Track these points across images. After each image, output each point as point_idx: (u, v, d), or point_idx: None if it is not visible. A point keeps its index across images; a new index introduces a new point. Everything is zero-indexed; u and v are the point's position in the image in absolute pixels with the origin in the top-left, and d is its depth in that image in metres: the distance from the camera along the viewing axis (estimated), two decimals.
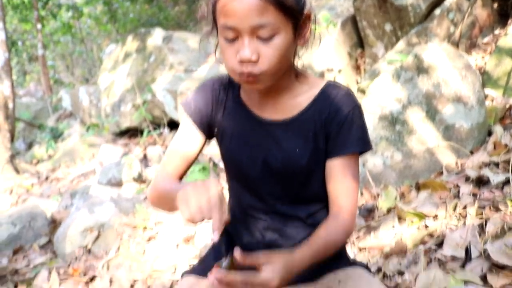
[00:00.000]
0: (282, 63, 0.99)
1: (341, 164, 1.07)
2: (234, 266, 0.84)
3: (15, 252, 2.89)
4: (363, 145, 1.08)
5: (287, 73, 1.07)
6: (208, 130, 1.17)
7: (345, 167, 1.07)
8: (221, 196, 0.90)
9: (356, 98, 1.10)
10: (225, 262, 0.84)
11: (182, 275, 1.21)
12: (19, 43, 13.33)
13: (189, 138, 1.16)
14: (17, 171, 5.30)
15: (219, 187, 0.90)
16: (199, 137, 1.16)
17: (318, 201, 1.14)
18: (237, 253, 0.85)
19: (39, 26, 9.48)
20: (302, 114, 1.09)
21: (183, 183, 1.05)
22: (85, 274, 2.42)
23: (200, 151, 1.19)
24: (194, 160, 1.19)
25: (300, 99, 1.10)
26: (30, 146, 7.93)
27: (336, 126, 1.06)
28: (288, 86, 1.09)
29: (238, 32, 0.95)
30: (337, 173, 1.08)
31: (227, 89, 1.15)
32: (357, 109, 1.08)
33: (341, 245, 1.09)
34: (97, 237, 2.71)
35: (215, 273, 0.83)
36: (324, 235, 1.03)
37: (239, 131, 1.13)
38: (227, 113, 1.14)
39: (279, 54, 0.96)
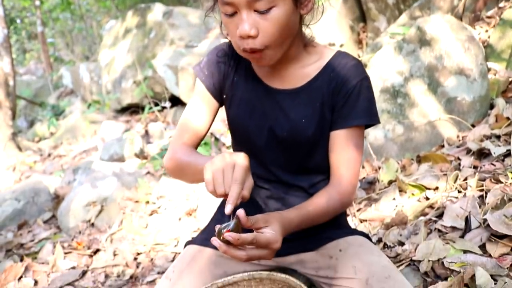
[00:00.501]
0: (283, 35, 0.97)
1: (345, 135, 1.07)
2: (239, 228, 0.85)
3: (20, 227, 2.93)
4: (369, 117, 1.07)
5: (294, 43, 1.06)
6: (220, 96, 1.17)
7: (348, 139, 1.07)
8: (247, 171, 0.89)
9: (365, 69, 1.08)
10: (231, 223, 0.85)
11: (185, 245, 1.23)
12: (18, 20, 13.21)
13: (204, 104, 1.17)
14: (19, 148, 5.32)
15: (246, 161, 0.89)
16: (213, 103, 1.17)
17: (321, 172, 1.15)
18: (242, 214, 0.86)
19: (37, 2, 9.38)
20: (310, 84, 1.08)
21: (206, 156, 1.04)
22: (89, 248, 2.45)
23: (214, 116, 1.19)
24: (210, 126, 1.19)
25: (308, 69, 1.09)
26: (31, 124, 7.94)
27: (342, 97, 1.06)
28: (296, 56, 1.08)
29: (236, 7, 0.94)
30: (340, 144, 1.08)
31: (238, 56, 1.14)
32: (365, 81, 1.07)
33: (336, 213, 1.08)
34: (100, 211, 2.74)
35: (227, 235, 0.84)
36: (318, 200, 1.04)
37: (247, 98, 1.13)
38: (237, 79, 1.14)
39: (278, 27, 0.95)
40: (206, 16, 1.09)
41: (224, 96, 1.17)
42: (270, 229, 0.89)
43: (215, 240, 0.85)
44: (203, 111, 1.16)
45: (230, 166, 0.87)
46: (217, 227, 0.86)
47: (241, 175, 0.87)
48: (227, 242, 0.84)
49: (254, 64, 1.13)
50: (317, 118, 1.08)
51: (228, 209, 0.84)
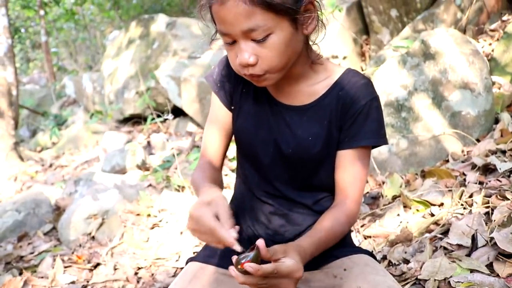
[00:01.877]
0: (283, 59, 0.97)
1: (352, 155, 1.06)
2: (258, 259, 0.83)
3: (20, 239, 2.90)
4: (377, 139, 1.06)
5: (300, 61, 1.05)
6: (231, 106, 1.17)
7: (355, 158, 1.06)
8: (226, 206, 0.91)
9: (375, 89, 1.07)
10: (251, 255, 0.83)
11: (187, 262, 1.21)
12: (22, 30, 13.30)
13: (220, 113, 1.17)
14: (21, 158, 5.31)
15: (223, 201, 0.92)
16: (227, 113, 1.17)
17: (325, 189, 1.13)
18: (262, 246, 0.84)
19: (42, 12, 9.44)
20: (319, 101, 1.07)
21: (205, 188, 1.04)
22: (89, 261, 2.42)
23: (233, 128, 1.19)
24: (231, 133, 1.20)
25: (317, 87, 1.08)
26: (34, 133, 7.95)
27: (351, 116, 1.04)
28: (303, 74, 1.08)
29: (232, 37, 0.94)
30: (347, 163, 1.06)
31: None
32: (375, 101, 1.05)
33: (344, 234, 1.07)
34: (101, 224, 2.71)
35: (247, 266, 0.82)
36: (327, 225, 1.02)
37: (255, 111, 1.12)
38: (245, 91, 1.14)
39: (277, 53, 0.94)
40: (212, 40, 1.10)
41: (232, 107, 1.16)
42: (290, 258, 0.87)
43: (233, 271, 0.83)
44: (221, 120, 1.17)
45: (209, 224, 0.89)
46: (234, 257, 0.84)
47: (225, 218, 0.88)
48: (245, 272, 0.83)
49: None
50: (324, 136, 1.06)
51: (238, 248, 0.85)
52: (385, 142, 1.08)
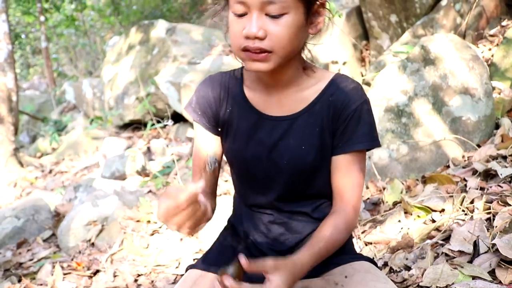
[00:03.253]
0: (290, 44, 0.96)
1: (347, 160, 1.05)
2: (240, 274, 0.82)
3: (19, 246, 2.89)
4: (370, 142, 1.05)
5: (294, 64, 1.04)
6: (217, 130, 1.14)
7: (350, 163, 1.05)
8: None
9: (364, 92, 1.07)
10: (231, 269, 0.82)
11: (187, 269, 1.20)
12: (23, 35, 13.35)
13: (205, 141, 1.14)
14: (21, 164, 5.31)
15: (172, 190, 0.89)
16: (215, 138, 1.14)
17: (323, 196, 1.12)
18: (243, 260, 0.83)
19: (42, 18, 9.46)
20: (309, 108, 1.06)
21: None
22: (88, 268, 2.41)
23: (222, 149, 1.16)
24: (221, 160, 1.17)
25: (307, 93, 1.07)
26: (34, 139, 7.95)
27: (343, 121, 1.04)
28: (294, 79, 1.06)
29: (248, 7, 0.93)
30: (343, 169, 1.05)
31: (228, 86, 1.12)
32: (365, 104, 1.05)
33: (344, 241, 1.06)
34: (101, 231, 2.70)
35: (224, 280, 0.81)
36: (327, 234, 1.00)
37: (243, 128, 1.10)
38: (230, 110, 1.11)
39: (287, 33, 0.94)
40: (212, 17, 1.08)
41: (219, 129, 1.14)
42: (278, 277, 0.85)
43: (216, 283, 0.83)
44: (208, 147, 1.14)
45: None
46: (220, 270, 0.84)
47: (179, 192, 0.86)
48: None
49: (248, 88, 1.11)
50: (317, 143, 1.05)
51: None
52: (378, 144, 1.07)
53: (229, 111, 1.11)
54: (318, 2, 0.97)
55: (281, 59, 0.97)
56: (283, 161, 1.06)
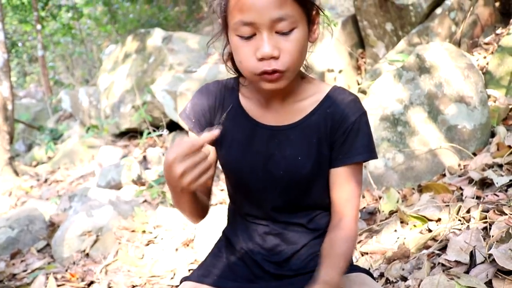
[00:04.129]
0: (301, 57, 0.96)
1: (346, 172, 1.05)
2: None
3: (13, 256, 2.86)
4: (369, 154, 1.05)
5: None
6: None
7: (349, 175, 1.05)
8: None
9: (362, 105, 1.07)
10: None
11: (181, 281, 1.19)
12: (19, 44, 13.34)
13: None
14: (16, 173, 5.28)
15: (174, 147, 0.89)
16: (208, 147, 1.13)
17: (319, 207, 1.11)
18: None
19: (39, 27, 9.46)
20: (306, 119, 1.05)
21: None
22: (83, 279, 2.38)
23: (216, 157, 1.14)
24: (215, 169, 1.14)
25: (305, 103, 1.06)
26: (30, 147, 7.92)
27: (342, 134, 1.03)
28: (293, 89, 1.06)
29: (256, 28, 0.91)
30: (341, 181, 1.05)
31: (223, 95, 1.11)
32: (364, 117, 1.04)
33: (352, 254, 1.06)
34: (95, 241, 2.68)
35: None
36: (335, 251, 1.00)
37: (238, 138, 1.08)
38: (225, 120, 1.10)
39: (299, 48, 0.93)
40: (208, 45, 1.06)
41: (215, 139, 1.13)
42: None
43: None
44: None
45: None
46: None
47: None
48: None
49: (244, 97, 1.10)
50: (313, 154, 1.05)
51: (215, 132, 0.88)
52: (375, 156, 1.07)
53: (224, 120, 1.11)
54: (314, 10, 0.97)
55: (293, 75, 0.97)
56: (279, 172, 1.05)
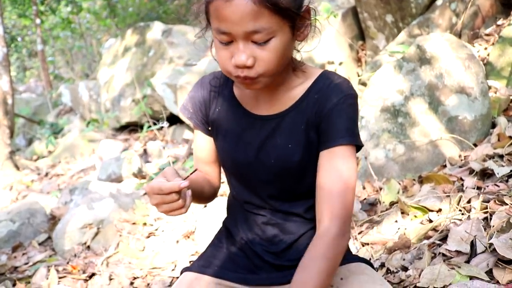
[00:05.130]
0: (279, 64, 0.95)
1: (330, 155, 0.98)
2: None
3: (14, 249, 2.87)
4: (351, 138, 0.99)
5: (284, 69, 1.03)
6: (209, 128, 1.16)
7: (333, 159, 0.98)
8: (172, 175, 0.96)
9: (350, 87, 1.02)
10: None
11: (182, 272, 1.19)
12: (19, 38, 13.30)
13: (201, 141, 1.17)
14: (17, 167, 5.28)
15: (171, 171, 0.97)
16: (206, 137, 1.16)
17: (315, 195, 1.11)
18: None
19: (38, 21, 9.43)
20: (295, 106, 1.05)
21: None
22: (84, 272, 2.39)
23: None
24: (216, 158, 1.19)
25: (294, 92, 1.06)
26: (30, 142, 7.92)
27: (324, 115, 1.00)
28: (284, 81, 1.06)
29: (232, 37, 0.91)
30: (326, 165, 0.99)
31: (218, 86, 1.13)
32: (349, 99, 1.00)
33: (343, 248, 0.98)
34: (96, 234, 2.68)
35: None
36: (311, 269, 0.94)
37: (233, 128, 1.10)
38: (220, 110, 1.12)
39: (276, 57, 0.92)
40: (196, 37, 1.07)
41: (210, 129, 1.15)
42: None
43: None
44: (204, 145, 1.18)
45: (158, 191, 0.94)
46: None
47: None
48: None
49: (238, 88, 1.11)
50: (303, 141, 1.03)
51: (185, 183, 0.92)
52: (358, 142, 1.00)
53: (218, 110, 1.12)
54: (302, 13, 0.95)
55: (271, 77, 0.97)
56: (270, 160, 1.06)
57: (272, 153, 1.05)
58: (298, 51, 1.06)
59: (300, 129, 1.04)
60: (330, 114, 0.99)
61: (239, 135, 1.09)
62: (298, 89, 1.06)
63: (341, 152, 0.98)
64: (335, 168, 0.98)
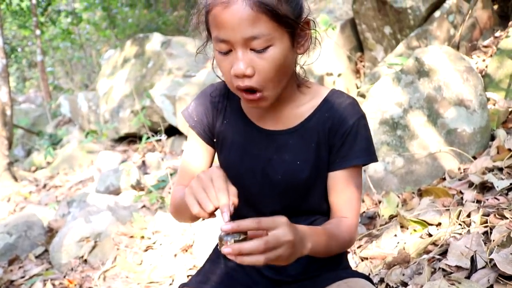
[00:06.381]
0: (280, 74, 0.94)
1: (345, 176, 1.03)
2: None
3: (11, 263, 2.84)
4: (369, 157, 1.04)
5: (289, 83, 1.02)
6: (212, 140, 1.14)
7: (348, 179, 1.04)
8: (226, 179, 0.88)
9: (361, 108, 1.06)
10: (236, 236, 0.79)
11: (179, 287, 1.17)
12: (19, 49, 13.34)
13: (198, 150, 1.14)
14: (15, 178, 5.27)
15: (221, 171, 0.88)
16: (207, 147, 1.14)
17: (318, 212, 1.11)
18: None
19: (38, 32, 9.46)
20: (304, 123, 1.05)
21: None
22: (81, 286, 2.37)
23: (212, 158, 1.15)
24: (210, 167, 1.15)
25: (302, 109, 1.06)
26: (29, 153, 7.90)
27: (340, 137, 1.02)
28: (290, 97, 1.05)
29: (231, 45, 0.90)
30: (340, 185, 1.04)
31: (226, 97, 1.11)
32: (362, 120, 1.04)
33: (342, 246, 1.03)
34: (94, 247, 2.66)
35: (224, 228, 0.79)
36: (327, 226, 1.00)
37: (239, 140, 1.08)
38: (227, 122, 1.10)
39: (275, 66, 0.92)
40: (197, 53, 1.07)
41: (215, 140, 1.12)
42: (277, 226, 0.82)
43: (225, 248, 0.79)
44: (199, 155, 1.14)
45: (208, 181, 0.86)
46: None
47: (222, 184, 0.85)
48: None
49: (246, 105, 1.10)
50: (312, 158, 1.04)
51: (225, 217, 0.82)
52: (375, 159, 1.06)
53: (226, 122, 1.11)
54: (301, 24, 0.95)
55: (275, 91, 0.96)
56: (277, 176, 1.05)
57: (279, 168, 1.05)
58: (302, 67, 1.06)
59: (310, 147, 1.04)
60: (347, 135, 1.02)
61: (246, 147, 1.07)
62: (306, 106, 1.05)
63: (356, 171, 1.05)
64: (351, 189, 1.04)
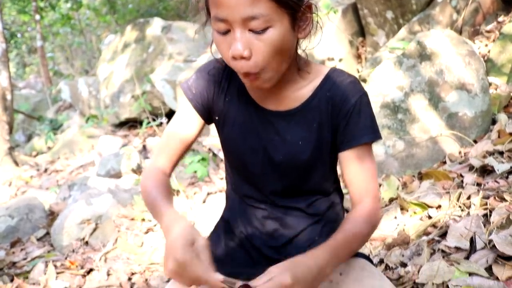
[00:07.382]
0: (278, 57, 0.93)
1: (356, 154, 1.02)
2: None
3: (13, 245, 2.86)
4: (373, 134, 1.03)
5: (290, 67, 1.01)
6: (208, 115, 1.12)
7: (360, 156, 1.03)
8: (208, 257, 0.85)
9: (362, 85, 1.05)
10: None
11: None
12: (18, 35, 13.26)
13: (188, 121, 1.11)
14: (16, 163, 5.28)
15: (204, 240, 0.86)
16: (198, 121, 1.11)
17: (318, 192, 1.11)
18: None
19: (37, 17, 9.38)
20: (306, 104, 1.04)
21: (167, 207, 0.98)
22: (82, 267, 2.38)
23: (198, 135, 1.14)
24: (191, 144, 1.13)
25: (303, 91, 1.05)
26: (29, 138, 7.91)
27: (344, 116, 1.01)
28: (290, 79, 1.04)
29: (230, 25, 0.89)
30: (354, 163, 1.03)
31: (230, 75, 1.09)
32: (364, 97, 1.03)
33: (369, 234, 1.03)
34: (95, 229, 2.68)
35: None
36: (345, 227, 0.98)
37: (241, 119, 1.08)
38: (229, 100, 1.09)
39: (273, 48, 0.90)
40: (196, 32, 1.05)
41: (216, 118, 1.11)
42: (275, 270, 0.84)
43: None
44: (189, 126, 1.11)
45: (192, 252, 0.84)
46: None
47: (208, 260, 0.84)
48: None
49: (249, 85, 1.09)
50: (314, 139, 1.04)
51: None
52: (380, 136, 1.05)
53: (228, 99, 1.09)
54: (303, 7, 0.94)
55: (277, 73, 0.95)
56: (278, 156, 1.05)
57: (281, 149, 1.04)
58: (304, 50, 1.04)
59: (312, 127, 1.03)
60: (351, 114, 1.01)
61: (248, 126, 1.07)
62: (306, 88, 1.05)
63: (366, 148, 1.04)
64: (365, 166, 1.03)
